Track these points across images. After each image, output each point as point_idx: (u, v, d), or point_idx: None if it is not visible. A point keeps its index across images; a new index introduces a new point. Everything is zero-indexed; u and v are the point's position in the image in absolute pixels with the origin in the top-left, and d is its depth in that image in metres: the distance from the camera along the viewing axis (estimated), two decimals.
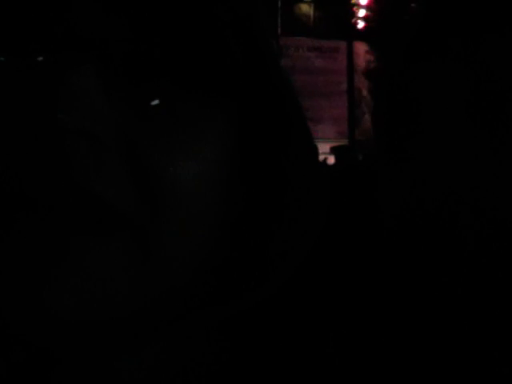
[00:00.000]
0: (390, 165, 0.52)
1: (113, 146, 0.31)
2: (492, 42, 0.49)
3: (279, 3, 6.62)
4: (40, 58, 0.31)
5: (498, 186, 0.47)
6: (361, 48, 6.70)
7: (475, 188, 0.47)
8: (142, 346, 0.35)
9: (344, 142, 6.16)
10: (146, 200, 0.32)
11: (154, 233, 0.32)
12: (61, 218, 0.30)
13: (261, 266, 0.37)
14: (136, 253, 0.31)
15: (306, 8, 7.64)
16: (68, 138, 0.30)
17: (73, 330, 0.31)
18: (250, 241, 0.38)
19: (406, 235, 0.51)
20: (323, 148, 5.15)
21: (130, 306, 0.32)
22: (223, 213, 0.36)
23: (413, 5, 0.59)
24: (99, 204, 0.30)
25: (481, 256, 0.47)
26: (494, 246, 0.47)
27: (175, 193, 0.32)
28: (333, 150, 5.00)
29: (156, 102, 0.33)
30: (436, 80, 0.50)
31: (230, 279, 0.37)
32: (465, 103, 0.48)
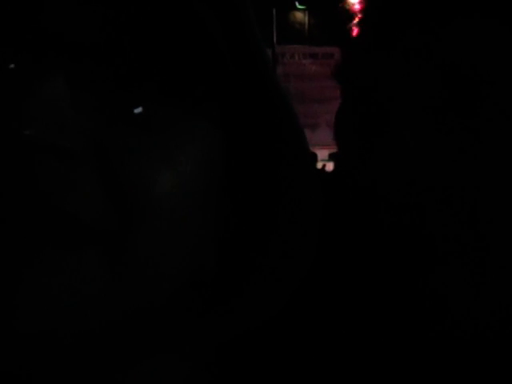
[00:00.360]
0: (360, 164, 0.51)
1: (85, 159, 0.29)
2: (454, 30, 0.48)
3: (274, 12, 6.63)
4: (11, 65, 0.29)
5: (475, 181, 0.47)
6: None
7: (453, 186, 0.47)
8: (127, 363, 0.33)
9: None
10: (121, 213, 0.30)
11: (128, 246, 0.30)
12: (29, 231, 0.28)
13: (254, 280, 0.36)
14: (108, 266, 0.30)
15: (300, 16, 7.66)
16: (35, 154, 0.28)
17: (44, 346, 0.29)
18: (242, 253, 0.36)
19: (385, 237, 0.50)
20: (322, 154, 5.13)
21: (101, 319, 0.30)
22: (209, 225, 0.34)
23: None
24: (70, 219, 0.29)
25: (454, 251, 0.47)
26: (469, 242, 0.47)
27: (152, 205, 0.30)
28: (332, 157, 4.99)
29: (133, 109, 0.31)
30: (402, 75, 0.49)
31: (222, 294, 0.35)
32: (435, 99, 0.47)
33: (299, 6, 7.51)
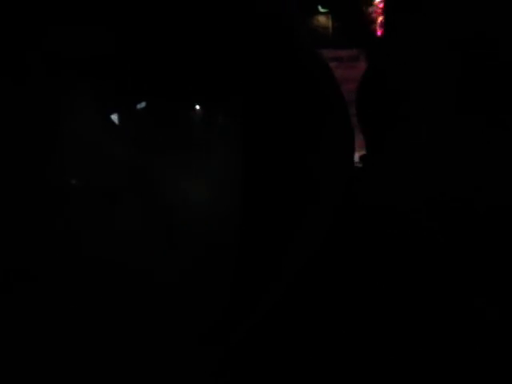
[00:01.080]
0: (375, 156, 0.49)
1: (128, 196, 0.24)
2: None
3: None
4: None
5: (490, 178, 0.44)
6: None
7: (466, 181, 0.44)
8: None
9: None
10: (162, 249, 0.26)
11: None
12: (75, 291, 0.24)
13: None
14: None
15: (323, 20, 7.70)
16: (74, 201, 0.22)
17: None
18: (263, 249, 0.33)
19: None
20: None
21: None
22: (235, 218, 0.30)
23: None
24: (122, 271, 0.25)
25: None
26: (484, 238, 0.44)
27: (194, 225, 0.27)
28: (362, 159, 4.99)
29: (166, 129, 0.26)
30: (422, 68, 0.46)
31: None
32: (453, 92, 0.45)
33: (322, 10, 7.55)
